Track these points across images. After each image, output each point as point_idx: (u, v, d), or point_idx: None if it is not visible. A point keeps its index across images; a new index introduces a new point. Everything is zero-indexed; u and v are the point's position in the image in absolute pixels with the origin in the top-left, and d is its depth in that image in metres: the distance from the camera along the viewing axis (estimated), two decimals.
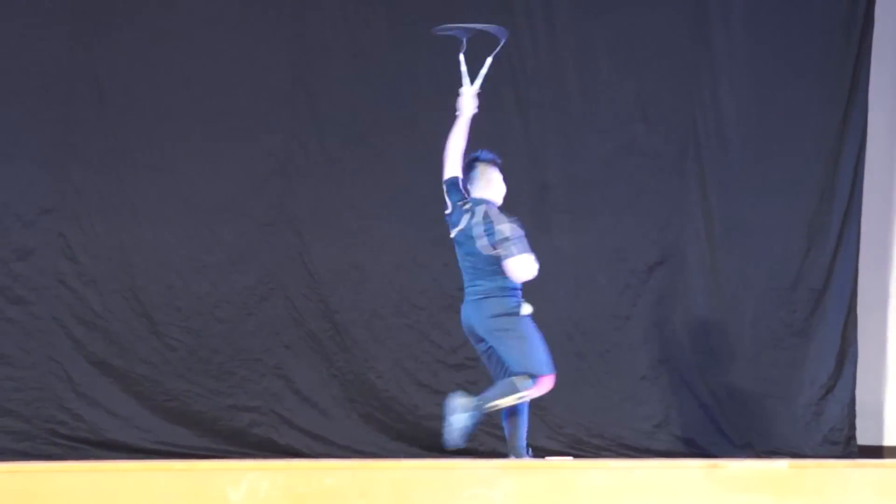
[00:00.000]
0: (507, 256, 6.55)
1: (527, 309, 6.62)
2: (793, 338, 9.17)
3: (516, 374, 6.57)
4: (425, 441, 8.31)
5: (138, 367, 7.84)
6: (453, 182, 6.79)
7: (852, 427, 9.16)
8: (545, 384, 6.58)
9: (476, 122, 8.65)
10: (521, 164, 8.44)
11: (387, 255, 8.39)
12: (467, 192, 6.80)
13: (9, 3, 7.68)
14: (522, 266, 6.54)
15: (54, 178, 7.80)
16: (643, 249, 8.95)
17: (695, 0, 9.15)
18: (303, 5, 8.30)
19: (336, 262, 8.32)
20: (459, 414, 6.45)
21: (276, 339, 8.16)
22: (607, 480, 6.00)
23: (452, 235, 6.73)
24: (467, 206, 6.73)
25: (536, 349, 6.57)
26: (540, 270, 6.69)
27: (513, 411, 6.64)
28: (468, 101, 6.78)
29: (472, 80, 6.78)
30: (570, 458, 6.70)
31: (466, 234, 6.67)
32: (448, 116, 8.56)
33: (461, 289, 8.53)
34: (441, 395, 8.46)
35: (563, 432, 8.50)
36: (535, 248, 6.73)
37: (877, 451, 9.28)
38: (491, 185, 6.82)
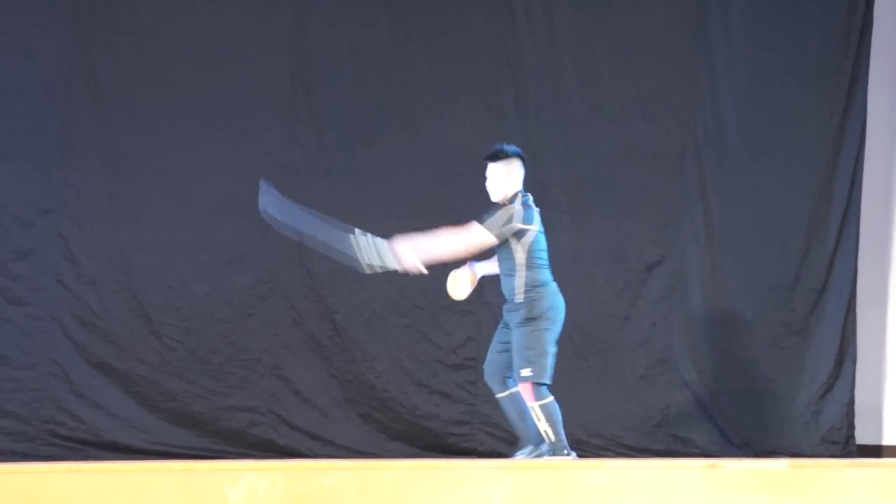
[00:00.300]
0: None
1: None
2: (792, 337, 9.18)
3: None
4: (424, 441, 8.32)
5: (137, 368, 7.85)
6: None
7: (851, 426, 9.17)
8: None
9: (475, 122, 8.68)
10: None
11: None
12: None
13: (8, 4, 7.68)
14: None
15: (53, 179, 7.80)
16: (642, 249, 8.95)
17: (694, 0, 9.15)
18: (302, 5, 8.31)
19: (335, 262, 8.27)
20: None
21: (276, 340, 8.16)
22: (606, 480, 5.99)
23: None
24: None
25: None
26: None
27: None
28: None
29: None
30: (570, 457, 6.69)
31: None
32: (446, 116, 8.59)
33: None
34: (440, 395, 8.49)
35: None
36: None
37: (876, 451, 9.28)
38: (488, 183, 6.85)
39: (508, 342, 6.69)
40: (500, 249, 6.69)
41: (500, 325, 6.82)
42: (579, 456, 6.83)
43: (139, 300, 7.89)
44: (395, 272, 8.40)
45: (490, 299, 8.37)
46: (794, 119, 9.29)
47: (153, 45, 7.99)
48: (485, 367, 6.81)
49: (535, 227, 6.66)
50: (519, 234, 6.60)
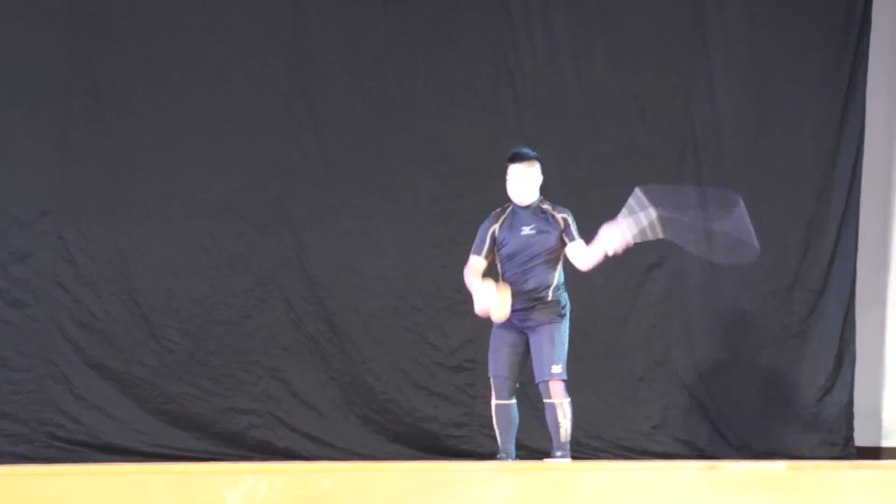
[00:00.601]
0: None
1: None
2: (791, 339, 9.18)
3: None
4: (423, 443, 8.32)
5: (136, 370, 7.84)
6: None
7: (850, 428, 9.17)
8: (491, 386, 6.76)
9: (473, 123, 8.68)
10: None
11: (385, 257, 8.40)
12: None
13: (6, 6, 7.68)
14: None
15: (52, 181, 7.80)
16: (641, 251, 8.90)
17: (692, 1, 9.15)
18: (300, 7, 8.31)
19: (334, 264, 8.32)
20: None
21: (274, 342, 8.16)
22: (605, 482, 6.00)
23: None
24: None
25: (489, 351, 6.81)
26: None
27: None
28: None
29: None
30: (569, 459, 6.69)
31: None
32: (445, 117, 8.59)
33: (459, 291, 8.55)
34: (439, 397, 8.48)
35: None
36: None
37: (875, 453, 9.28)
38: (512, 184, 6.90)
39: (517, 343, 6.70)
40: (552, 248, 6.74)
41: (503, 327, 6.77)
42: (578, 458, 6.83)
43: (138, 302, 7.89)
44: (393, 274, 8.43)
45: None
46: (792, 120, 9.30)
47: (151, 46, 7.98)
48: (506, 371, 6.74)
49: None
50: None
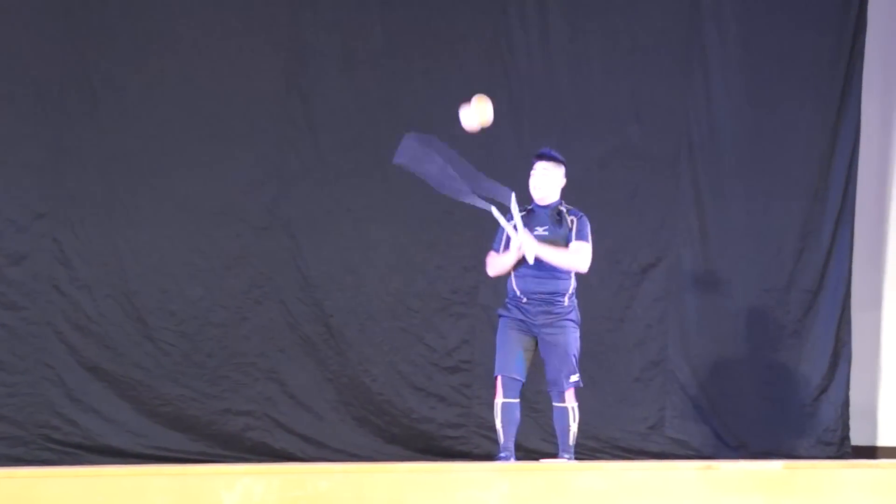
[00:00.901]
0: None
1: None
2: (786, 339, 9.19)
3: None
4: (420, 444, 8.32)
5: (132, 372, 7.84)
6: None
7: (846, 427, 9.18)
8: (496, 385, 6.74)
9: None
10: (514, 166, 8.44)
11: (381, 259, 8.40)
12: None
13: (2, 8, 7.67)
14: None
15: (48, 183, 7.79)
16: (637, 251, 8.96)
17: (688, 2, 9.16)
18: (296, 9, 8.30)
19: (330, 265, 8.32)
20: None
21: (271, 343, 8.16)
22: (602, 482, 6.00)
23: None
24: None
25: (497, 349, 6.76)
26: None
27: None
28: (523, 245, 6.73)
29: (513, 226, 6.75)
30: (565, 459, 6.70)
31: None
32: (441, 120, 8.59)
33: (455, 292, 8.58)
34: (436, 398, 8.49)
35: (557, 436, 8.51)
36: None
37: (871, 452, 9.29)
38: (537, 180, 6.94)
39: (529, 346, 6.72)
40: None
41: (514, 328, 6.77)
42: (575, 458, 6.84)
43: (134, 304, 7.88)
44: (390, 275, 8.43)
45: (485, 303, 8.38)
46: (788, 121, 9.31)
47: (147, 49, 7.98)
48: (517, 372, 6.73)
49: None
50: None
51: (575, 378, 6.70)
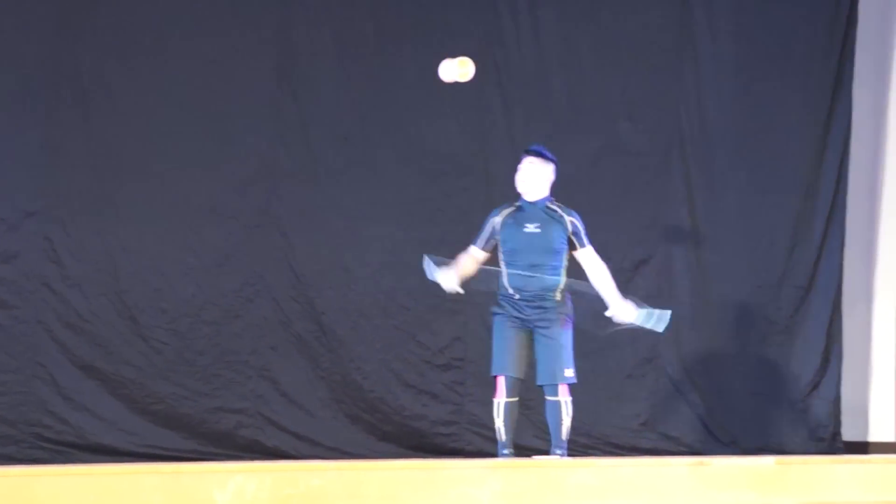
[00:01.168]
0: None
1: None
2: (778, 335, 9.19)
3: None
4: (412, 441, 8.31)
5: (124, 370, 7.83)
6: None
7: (838, 423, 9.18)
8: (497, 384, 6.70)
9: (461, 121, 8.68)
10: (506, 163, 8.44)
11: (373, 256, 8.39)
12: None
13: None
14: None
15: (38, 181, 7.77)
16: (628, 248, 8.95)
17: None
18: (287, 6, 8.29)
19: (322, 263, 8.31)
20: None
21: (263, 341, 8.15)
22: (594, 479, 6.00)
23: None
24: None
25: (494, 349, 6.74)
26: None
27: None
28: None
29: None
30: (567, 457, 6.69)
31: None
32: (432, 116, 8.59)
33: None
34: (428, 395, 8.48)
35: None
36: None
37: (862, 448, 9.30)
38: (524, 175, 6.93)
39: (526, 343, 6.73)
40: (557, 249, 6.74)
41: (511, 326, 6.76)
42: (567, 454, 6.84)
43: (125, 302, 7.87)
44: (382, 273, 8.43)
45: (477, 299, 8.37)
46: (779, 116, 9.31)
47: (138, 47, 7.97)
48: (517, 371, 6.73)
49: None
50: None
51: (570, 373, 6.69)
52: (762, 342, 9.15)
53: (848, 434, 9.25)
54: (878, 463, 6.69)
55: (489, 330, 6.92)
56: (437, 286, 8.42)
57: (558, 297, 6.75)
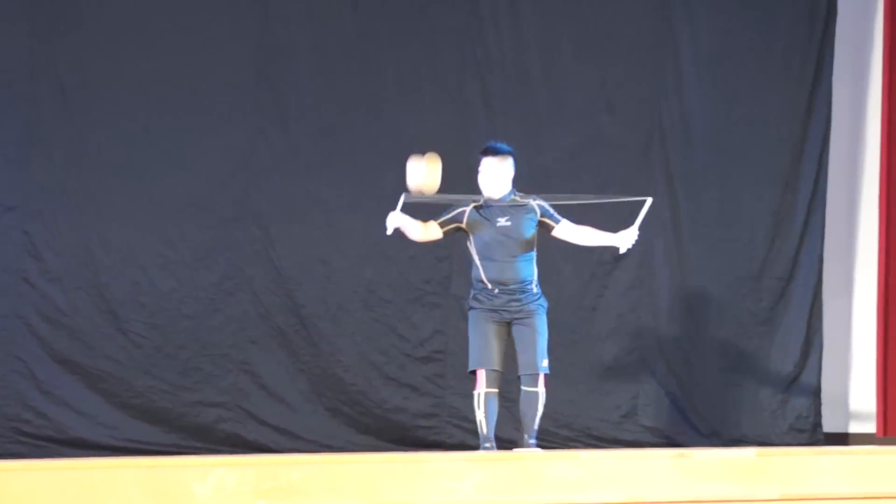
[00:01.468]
0: None
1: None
2: (758, 327, 9.21)
3: None
4: (393, 434, 8.31)
5: (103, 364, 7.81)
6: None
7: (818, 415, 9.21)
8: (477, 377, 6.70)
9: (441, 114, 8.67)
10: None
11: (353, 249, 8.38)
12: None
13: None
14: None
15: (17, 176, 7.75)
16: None
17: None
18: (267, 1, 8.27)
19: (302, 256, 8.30)
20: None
21: (243, 335, 8.14)
22: (575, 471, 6.00)
23: None
24: None
25: (471, 344, 6.74)
26: None
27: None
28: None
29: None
30: (539, 449, 6.70)
31: None
32: (412, 110, 8.58)
33: (427, 282, 8.57)
34: (408, 388, 8.48)
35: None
36: None
37: (842, 439, 9.33)
38: (485, 177, 6.91)
39: (504, 336, 6.74)
40: (530, 239, 6.77)
41: (487, 319, 6.74)
42: (548, 447, 6.85)
43: (104, 296, 7.85)
44: (361, 266, 8.42)
45: (457, 293, 8.38)
46: (759, 109, 9.32)
47: (116, 41, 7.94)
48: (497, 363, 6.72)
49: None
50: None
51: (545, 363, 6.74)
52: (743, 334, 9.17)
53: (828, 425, 9.28)
54: (858, 454, 6.71)
55: (468, 324, 6.91)
56: (419, 280, 8.46)
57: (534, 288, 6.77)
